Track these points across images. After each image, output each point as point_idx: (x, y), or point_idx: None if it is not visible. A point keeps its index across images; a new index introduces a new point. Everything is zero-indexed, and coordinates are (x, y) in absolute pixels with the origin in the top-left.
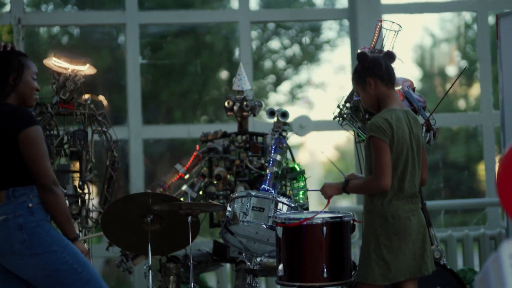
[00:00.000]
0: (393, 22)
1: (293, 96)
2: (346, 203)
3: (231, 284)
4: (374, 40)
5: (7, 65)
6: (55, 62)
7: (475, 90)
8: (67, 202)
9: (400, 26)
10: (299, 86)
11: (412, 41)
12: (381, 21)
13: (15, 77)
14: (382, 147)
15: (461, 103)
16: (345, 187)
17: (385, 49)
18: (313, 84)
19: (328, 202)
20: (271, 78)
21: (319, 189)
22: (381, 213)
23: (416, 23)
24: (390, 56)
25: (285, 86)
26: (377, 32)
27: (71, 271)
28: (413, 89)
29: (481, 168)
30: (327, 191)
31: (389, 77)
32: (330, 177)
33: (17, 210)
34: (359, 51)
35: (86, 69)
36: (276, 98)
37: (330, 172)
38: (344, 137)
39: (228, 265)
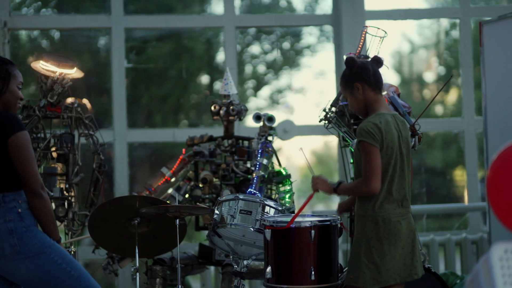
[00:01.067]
0: (378, 28)
1: (273, 101)
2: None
3: (215, 287)
4: (360, 46)
5: None
6: (43, 66)
7: (452, 96)
8: (53, 204)
9: (385, 32)
10: (280, 91)
11: (391, 47)
12: (366, 27)
13: (1, 86)
14: (371, 151)
15: (438, 109)
16: (336, 188)
17: (371, 55)
18: (294, 89)
19: (311, 195)
20: (252, 82)
21: (313, 174)
22: (372, 216)
23: (395, 29)
24: (378, 61)
25: (265, 91)
26: (362, 38)
27: (60, 270)
28: (398, 95)
29: (458, 174)
30: (319, 184)
31: (376, 82)
32: (307, 182)
33: (7, 215)
34: (345, 56)
35: (74, 73)
36: (256, 103)
37: (307, 176)
38: (321, 142)
39: (212, 268)
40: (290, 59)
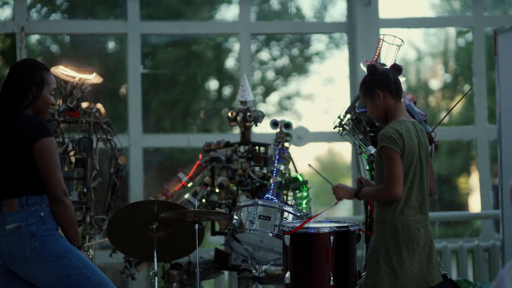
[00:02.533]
0: (395, 37)
1: (282, 107)
2: (343, 213)
3: None
4: (377, 54)
5: (30, 79)
6: (62, 71)
7: (459, 103)
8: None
9: (402, 40)
10: (288, 97)
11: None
12: (384, 35)
13: (35, 92)
14: (394, 157)
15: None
16: (358, 193)
17: (387, 63)
18: (306, 96)
19: (336, 203)
20: (260, 89)
21: (332, 184)
22: (392, 222)
23: (400, 36)
24: (397, 69)
25: (274, 97)
26: (379, 46)
27: (80, 275)
28: (415, 103)
29: (463, 181)
30: (340, 192)
31: (397, 90)
32: (313, 187)
33: (30, 218)
34: (362, 64)
35: (93, 78)
36: (265, 109)
37: (312, 182)
38: (325, 149)
39: (226, 273)
40: (299, 66)
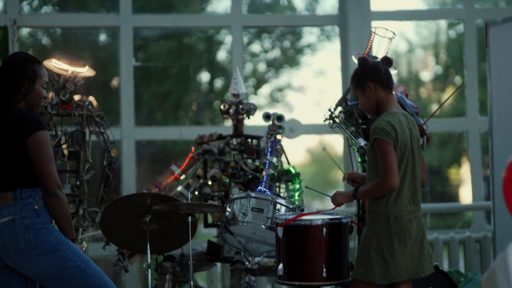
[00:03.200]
0: (387, 30)
1: (273, 99)
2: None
3: (222, 283)
4: (369, 46)
5: (22, 72)
6: (55, 64)
7: (448, 95)
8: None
9: (394, 33)
10: (280, 90)
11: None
12: (376, 28)
13: (28, 86)
14: (387, 149)
15: (435, 108)
16: (355, 193)
17: (379, 56)
18: (298, 89)
19: (334, 208)
20: (252, 81)
21: (330, 196)
22: (384, 213)
23: (392, 28)
24: (388, 61)
25: (265, 89)
26: (371, 39)
27: (75, 268)
28: (406, 95)
29: (454, 172)
30: (338, 199)
31: (388, 82)
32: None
33: (24, 211)
34: (353, 57)
35: (85, 71)
36: (256, 101)
37: (304, 174)
38: (316, 141)
39: (219, 265)
40: (291, 58)
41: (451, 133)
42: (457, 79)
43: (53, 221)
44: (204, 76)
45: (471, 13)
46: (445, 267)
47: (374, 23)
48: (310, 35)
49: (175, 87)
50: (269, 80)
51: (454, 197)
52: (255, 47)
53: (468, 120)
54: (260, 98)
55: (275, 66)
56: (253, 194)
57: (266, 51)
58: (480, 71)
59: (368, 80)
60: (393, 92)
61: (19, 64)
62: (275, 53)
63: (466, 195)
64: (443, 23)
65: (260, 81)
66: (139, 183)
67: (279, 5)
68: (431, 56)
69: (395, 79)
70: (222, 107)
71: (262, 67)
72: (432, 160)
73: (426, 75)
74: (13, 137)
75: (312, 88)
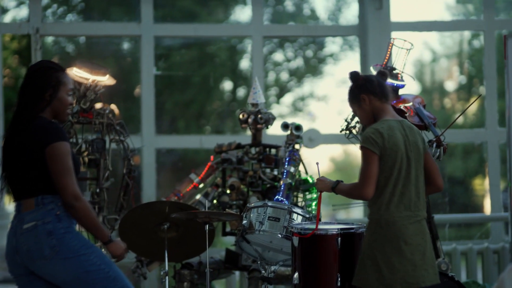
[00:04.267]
0: (405, 41)
1: (295, 108)
2: (357, 214)
3: None
4: (387, 57)
5: (45, 81)
6: (76, 73)
7: (473, 105)
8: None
9: (412, 44)
10: (302, 99)
11: (412, 56)
12: (394, 39)
13: (51, 93)
14: (369, 158)
15: (459, 118)
16: (335, 187)
17: (397, 67)
18: (320, 98)
19: (319, 198)
20: (275, 90)
21: (319, 176)
22: (377, 219)
23: (417, 38)
24: (383, 74)
25: (288, 98)
26: (389, 49)
27: (99, 271)
28: (424, 106)
29: (477, 183)
30: (319, 185)
31: (382, 92)
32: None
33: (46, 217)
34: (371, 67)
35: (106, 80)
36: (279, 110)
37: None
38: (340, 150)
39: (238, 273)
40: (313, 67)
41: (474, 143)
42: (481, 90)
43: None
44: (227, 85)
45: (491, 24)
46: (463, 277)
47: (394, 34)
48: (332, 44)
49: (198, 96)
50: (291, 89)
51: (479, 208)
52: (278, 56)
53: (487, 131)
54: (282, 107)
55: (298, 75)
56: (270, 203)
57: (288, 60)
58: (500, 82)
59: (362, 93)
60: (410, 103)
61: (42, 73)
62: (298, 62)
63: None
64: (467, 33)
65: (282, 90)
66: (159, 191)
67: (302, 15)
68: (455, 66)
69: (418, 88)
70: (241, 116)
71: (284, 76)
72: (457, 171)
73: (450, 85)
74: (34, 147)
75: (334, 97)
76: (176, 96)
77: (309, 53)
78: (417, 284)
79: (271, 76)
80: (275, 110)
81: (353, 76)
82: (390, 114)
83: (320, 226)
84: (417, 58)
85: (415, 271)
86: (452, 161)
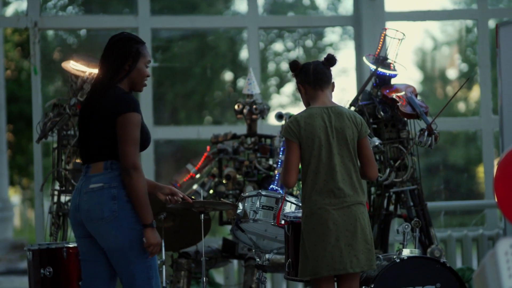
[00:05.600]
0: (397, 31)
1: (296, 98)
2: None
3: (238, 279)
4: (379, 47)
5: (126, 51)
6: (73, 66)
7: (475, 93)
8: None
9: (403, 34)
10: None
11: (413, 44)
12: (385, 29)
13: (131, 64)
14: (289, 147)
15: (461, 106)
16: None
17: (390, 56)
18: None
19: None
20: (275, 80)
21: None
22: (304, 208)
23: (417, 26)
24: (329, 60)
25: (288, 88)
26: (381, 40)
27: (141, 253)
28: (416, 95)
29: (480, 171)
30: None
31: (315, 80)
32: None
33: (113, 181)
34: (364, 57)
35: None
36: (279, 100)
37: None
38: None
39: (235, 262)
40: (313, 57)
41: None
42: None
43: None
44: (228, 75)
45: (484, 14)
46: (458, 264)
47: (388, 24)
48: (332, 34)
49: (198, 87)
50: (291, 79)
51: (481, 195)
52: (278, 46)
53: (481, 119)
54: (282, 97)
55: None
56: (263, 192)
57: (288, 50)
58: (495, 71)
59: (299, 82)
60: (402, 93)
61: (123, 43)
62: (298, 52)
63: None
64: (468, 21)
65: (283, 80)
66: (158, 182)
67: (301, 5)
68: (457, 54)
69: (420, 76)
70: (236, 107)
71: (284, 66)
72: (458, 159)
73: (452, 73)
74: (108, 115)
75: (335, 87)
76: (178, 87)
77: (309, 43)
78: (345, 270)
79: (271, 66)
80: (275, 100)
81: (292, 66)
82: (320, 101)
83: None
84: (418, 46)
85: (342, 257)
86: (454, 149)
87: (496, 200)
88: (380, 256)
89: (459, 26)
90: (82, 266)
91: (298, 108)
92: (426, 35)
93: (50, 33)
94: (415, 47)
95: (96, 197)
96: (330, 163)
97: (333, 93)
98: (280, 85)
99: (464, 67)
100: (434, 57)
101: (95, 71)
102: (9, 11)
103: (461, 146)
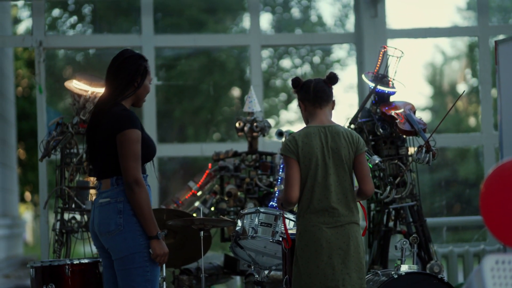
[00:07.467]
0: (395, 48)
1: None
2: None
3: None
4: (378, 65)
5: (137, 69)
6: (75, 85)
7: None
8: (85, 217)
9: (402, 52)
10: None
11: (423, 59)
12: (384, 47)
13: (139, 81)
14: (288, 163)
15: (472, 121)
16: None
17: (390, 74)
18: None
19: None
20: (282, 96)
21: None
22: (298, 225)
23: (427, 41)
24: (330, 78)
25: (295, 104)
26: (380, 57)
27: (143, 264)
28: (414, 112)
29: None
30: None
31: (316, 98)
32: None
33: (119, 196)
34: (363, 75)
35: None
36: (287, 116)
37: None
38: None
39: (238, 278)
40: (320, 73)
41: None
42: (493, 92)
43: None
44: (235, 92)
45: (485, 31)
46: (460, 279)
47: (390, 41)
48: (340, 50)
49: (206, 103)
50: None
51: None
52: (286, 63)
53: (482, 135)
54: (290, 113)
55: None
56: (262, 209)
57: (296, 67)
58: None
59: (299, 99)
60: (401, 110)
61: (135, 60)
62: (305, 68)
63: None
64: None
65: (290, 96)
66: (162, 199)
67: (309, 21)
68: (467, 69)
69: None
70: (237, 125)
71: None
72: (469, 174)
73: (462, 88)
74: (109, 133)
75: (342, 102)
76: (185, 104)
77: (317, 59)
78: None
79: (279, 82)
80: (283, 116)
81: (293, 82)
82: (318, 119)
83: None
84: (429, 61)
85: (334, 274)
86: (465, 164)
87: (483, 217)
88: (378, 272)
89: (469, 40)
90: (103, 272)
91: (305, 125)
92: (436, 50)
93: (61, 50)
94: (425, 62)
95: (104, 212)
96: (325, 182)
97: (340, 109)
98: (288, 101)
99: (474, 82)
100: (444, 71)
101: (97, 90)
102: (21, 28)
103: (472, 161)
